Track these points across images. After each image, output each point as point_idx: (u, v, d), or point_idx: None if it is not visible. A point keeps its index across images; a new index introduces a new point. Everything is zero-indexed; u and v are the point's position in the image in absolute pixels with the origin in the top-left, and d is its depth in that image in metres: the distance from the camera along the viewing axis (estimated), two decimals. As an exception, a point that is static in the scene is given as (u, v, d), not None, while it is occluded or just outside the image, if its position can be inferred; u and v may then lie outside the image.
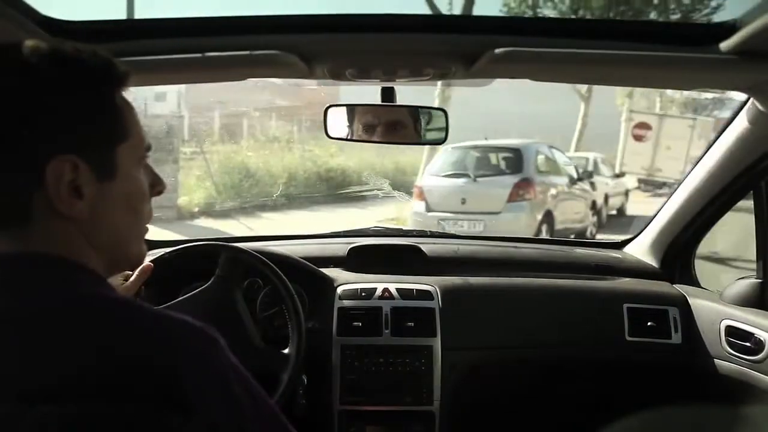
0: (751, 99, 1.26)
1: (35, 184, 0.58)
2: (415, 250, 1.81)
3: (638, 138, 14.91)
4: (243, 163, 9.73)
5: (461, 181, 7.03)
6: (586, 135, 14.47)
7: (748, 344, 1.44)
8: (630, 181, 14.12)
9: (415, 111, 1.35)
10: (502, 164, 7.32)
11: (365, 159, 12.79)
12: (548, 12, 12.45)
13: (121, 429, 0.54)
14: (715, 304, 1.58)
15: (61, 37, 0.90)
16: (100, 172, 0.61)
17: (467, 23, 1.11)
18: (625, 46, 0.98)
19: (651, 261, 1.84)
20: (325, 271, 1.69)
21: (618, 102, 17.90)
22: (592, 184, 8.98)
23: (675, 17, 11.78)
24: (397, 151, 13.09)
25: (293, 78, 1.17)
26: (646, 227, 1.88)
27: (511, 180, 6.93)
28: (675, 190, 1.71)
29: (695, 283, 1.80)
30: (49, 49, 0.59)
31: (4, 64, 0.58)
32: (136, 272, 1.08)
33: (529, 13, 12.43)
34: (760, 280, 1.50)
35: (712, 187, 1.55)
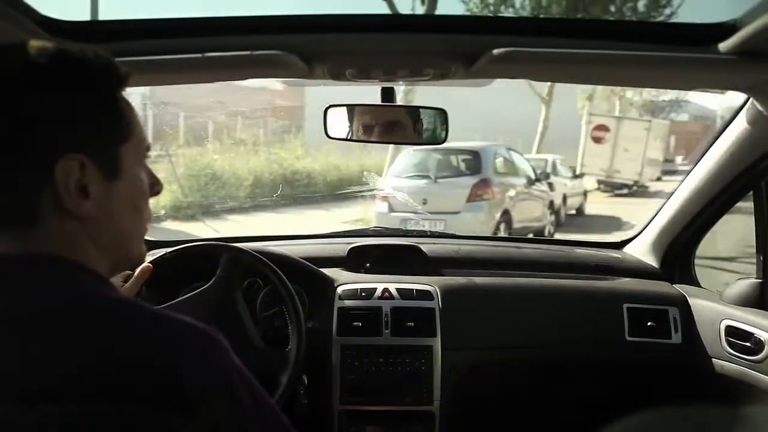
0: (751, 99, 1.26)
1: (43, 183, 0.58)
2: (415, 250, 1.81)
3: (597, 140, 15.48)
4: (209, 166, 9.78)
5: (422, 182, 7.32)
6: (549, 137, 14.74)
7: (748, 344, 1.44)
8: (589, 182, 14.64)
9: (414, 111, 1.35)
10: (462, 166, 7.61)
11: (331, 161, 13.09)
12: (508, 14, 12.60)
13: (122, 429, 0.54)
14: (715, 304, 1.58)
15: (61, 37, 0.90)
16: (105, 171, 0.61)
17: (467, 23, 1.11)
18: (625, 46, 0.98)
19: (651, 261, 1.85)
20: (325, 271, 1.69)
21: (579, 105, 18.31)
22: (550, 185, 9.39)
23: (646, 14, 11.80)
24: (363, 153, 13.46)
25: (293, 78, 1.17)
26: (646, 227, 1.88)
27: (470, 181, 7.22)
28: (675, 190, 1.71)
29: (695, 283, 1.80)
30: (55, 50, 0.59)
31: (13, 64, 0.58)
32: (136, 273, 1.08)
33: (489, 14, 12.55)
34: (760, 280, 1.50)
35: (712, 187, 1.55)
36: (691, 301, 1.65)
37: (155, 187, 0.71)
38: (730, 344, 1.49)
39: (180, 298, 1.40)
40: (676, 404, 1.57)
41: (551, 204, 9.12)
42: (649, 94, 26.28)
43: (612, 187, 15.59)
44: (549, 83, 13.43)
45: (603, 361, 1.69)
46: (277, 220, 8.42)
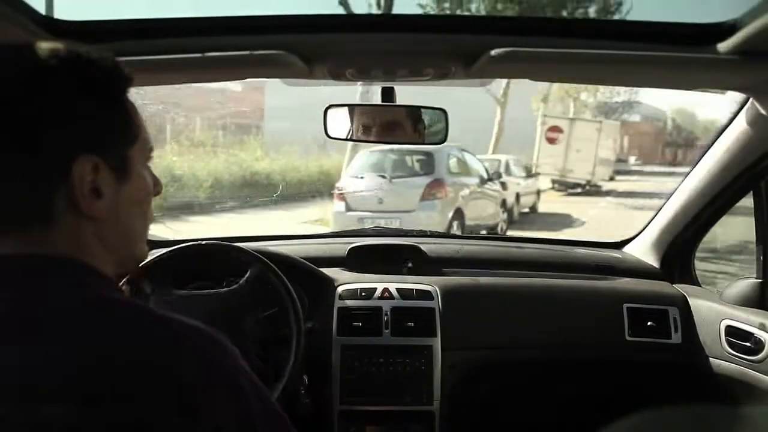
0: (751, 99, 1.26)
1: (59, 184, 0.59)
2: (415, 250, 1.81)
3: (551, 141, 16.05)
4: (168, 168, 9.83)
5: (378, 182, 7.53)
6: (507, 138, 15.06)
7: (748, 344, 1.44)
8: (545, 182, 15.27)
9: (414, 111, 1.35)
10: (416, 166, 7.86)
11: (290, 162, 13.28)
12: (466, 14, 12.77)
13: (124, 431, 0.54)
14: (715, 304, 1.58)
15: (61, 37, 0.90)
16: (116, 172, 0.62)
17: (467, 23, 1.11)
18: (624, 46, 0.97)
19: (651, 261, 1.84)
20: (325, 271, 1.69)
21: (533, 107, 18.65)
22: (503, 184, 9.80)
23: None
24: (322, 154, 13.75)
25: (293, 78, 1.17)
26: (646, 227, 1.88)
27: (424, 181, 7.49)
28: (675, 190, 1.71)
29: (695, 282, 1.80)
30: (66, 52, 0.60)
31: (28, 65, 0.59)
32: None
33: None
34: (760, 280, 1.50)
35: (712, 187, 1.55)
36: (691, 301, 1.65)
37: (156, 187, 0.71)
38: (730, 344, 1.49)
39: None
40: (676, 404, 1.57)
41: (504, 202, 9.50)
42: (602, 95, 26.91)
43: (566, 187, 16.18)
44: (502, 87, 13.88)
45: (603, 361, 1.69)
46: (238, 221, 8.60)
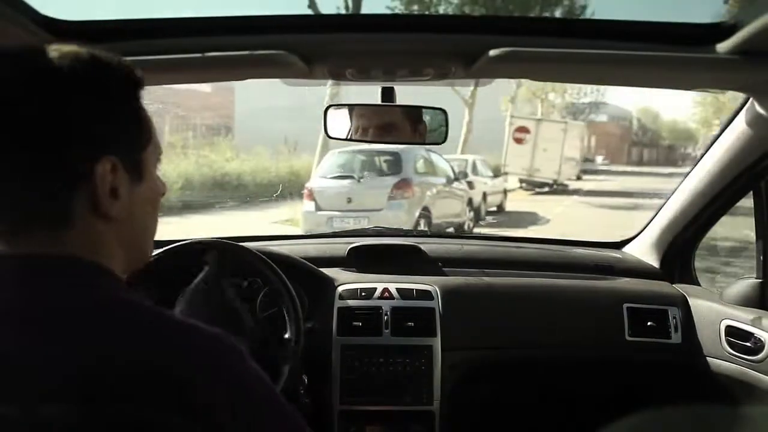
0: (751, 99, 1.26)
1: (80, 184, 0.60)
2: (415, 250, 1.81)
3: (518, 141, 16.49)
4: None
5: (347, 182, 7.73)
6: (475, 139, 15.26)
7: (748, 344, 1.44)
8: (513, 181, 15.82)
9: (414, 111, 1.35)
10: (384, 166, 8.06)
11: (260, 164, 13.40)
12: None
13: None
14: (715, 304, 1.58)
15: (61, 37, 0.90)
16: (131, 174, 0.64)
17: (467, 23, 1.11)
18: (624, 46, 0.97)
19: (651, 261, 1.84)
20: (325, 271, 1.69)
21: (502, 108, 18.97)
22: (470, 184, 10.06)
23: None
24: (292, 155, 13.97)
25: (293, 78, 1.17)
26: (646, 227, 1.88)
27: (391, 180, 7.69)
28: (675, 190, 1.71)
29: (695, 282, 1.80)
30: (88, 56, 0.61)
31: (53, 71, 0.59)
32: None
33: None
34: (760, 280, 1.50)
35: (712, 187, 1.55)
36: (691, 301, 1.65)
37: (162, 188, 0.73)
38: (730, 344, 1.49)
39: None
40: (676, 404, 1.57)
41: (470, 201, 9.70)
42: (570, 96, 27.42)
43: (533, 186, 16.61)
44: (470, 88, 13.93)
45: (603, 361, 1.69)
46: (209, 222, 8.69)
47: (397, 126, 1.35)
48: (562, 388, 1.76)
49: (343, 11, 11.07)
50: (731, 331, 1.49)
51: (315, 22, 1.04)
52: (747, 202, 1.53)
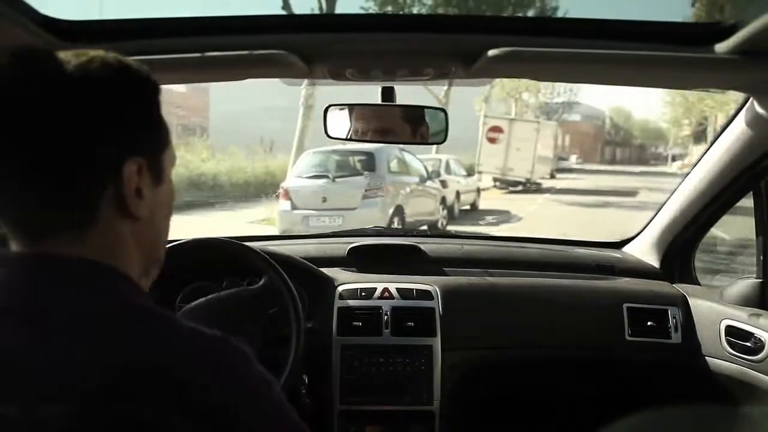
0: (751, 99, 1.26)
1: (107, 184, 0.61)
2: (415, 250, 1.81)
3: (492, 140, 16.86)
4: None
5: (322, 181, 7.89)
6: (450, 138, 15.31)
7: (748, 344, 1.44)
8: (487, 180, 16.25)
9: (414, 111, 1.35)
10: (358, 166, 8.21)
11: (236, 164, 13.51)
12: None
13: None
14: (715, 304, 1.58)
15: (61, 37, 0.90)
16: (153, 175, 0.66)
17: (467, 23, 1.11)
18: (624, 46, 0.97)
19: (651, 261, 1.84)
20: (325, 270, 1.69)
21: (476, 108, 19.24)
22: (443, 183, 10.33)
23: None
24: (268, 156, 14.10)
25: (293, 78, 1.17)
26: (646, 227, 1.88)
27: (365, 180, 7.88)
28: (675, 190, 1.71)
29: (695, 282, 1.80)
30: (116, 60, 0.64)
31: (83, 73, 0.61)
32: None
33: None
34: (760, 280, 1.50)
35: (712, 187, 1.55)
36: (691, 300, 1.65)
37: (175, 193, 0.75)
38: (730, 344, 1.49)
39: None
40: (676, 404, 1.57)
41: (443, 200, 9.95)
42: (543, 96, 27.74)
43: (507, 185, 16.97)
44: (444, 88, 14.05)
45: (603, 361, 1.69)
46: (184, 223, 8.71)
47: (398, 126, 1.35)
48: (562, 388, 1.76)
49: (316, 11, 11.09)
50: (731, 331, 1.49)
51: (315, 22, 1.04)
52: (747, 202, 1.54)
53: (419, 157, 9.71)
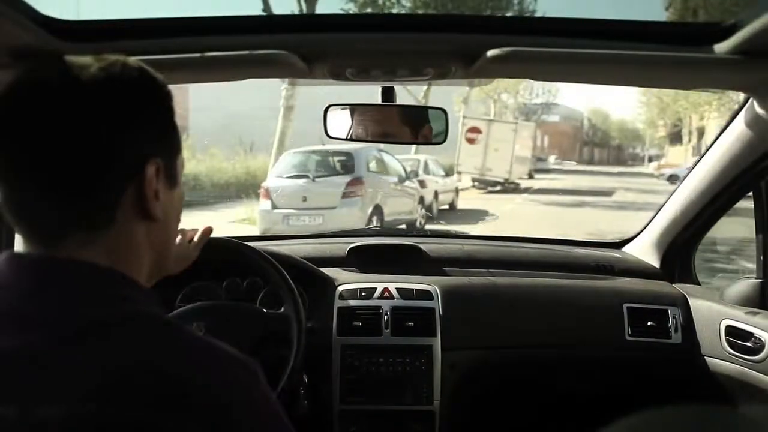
0: (751, 99, 1.26)
1: (129, 185, 0.62)
2: (415, 250, 1.81)
3: (471, 141, 17.04)
4: None
5: (302, 181, 8.06)
6: None
7: (748, 344, 1.44)
8: (466, 180, 16.54)
9: (415, 111, 1.35)
10: (337, 166, 8.41)
11: (215, 165, 13.58)
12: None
13: None
14: (715, 304, 1.58)
15: (61, 37, 0.90)
16: (168, 178, 0.67)
17: (467, 23, 1.11)
18: (625, 46, 0.97)
19: (651, 261, 1.85)
20: (325, 270, 1.69)
21: (455, 108, 19.62)
22: (421, 182, 10.54)
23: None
24: (249, 156, 14.13)
25: (293, 78, 1.17)
26: (646, 227, 1.88)
27: (345, 180, 8.04)
28: (675, 190, 1.71)
29: (695, 282, 1.80)
30: (136, 64, 0.66)
31: (106, 76, 0.62)
32: (198, 234, 1.14)
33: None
34: (760, 280, 1.50)
35: (712, 187, 1.55)
36: (691, 300, 1.65)
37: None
38: (730, 344, 1.49)
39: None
40: (676, 404, 1.57)
41: (422, 200, 10.14)
42: (522, 96, 27.98)
43: (486, 185, 17.21)
44: (423, 88, 13.83)
45: (603, 361, 1.69)
46: None
47: (398, 126, 1.35)
48: (562, 388, 1.76)
49: (296, 11, 11.11)
50: (731, 331, 1.49)
51: (315, 22, 1.04)
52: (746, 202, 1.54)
53: (398, 158, 9.87)
